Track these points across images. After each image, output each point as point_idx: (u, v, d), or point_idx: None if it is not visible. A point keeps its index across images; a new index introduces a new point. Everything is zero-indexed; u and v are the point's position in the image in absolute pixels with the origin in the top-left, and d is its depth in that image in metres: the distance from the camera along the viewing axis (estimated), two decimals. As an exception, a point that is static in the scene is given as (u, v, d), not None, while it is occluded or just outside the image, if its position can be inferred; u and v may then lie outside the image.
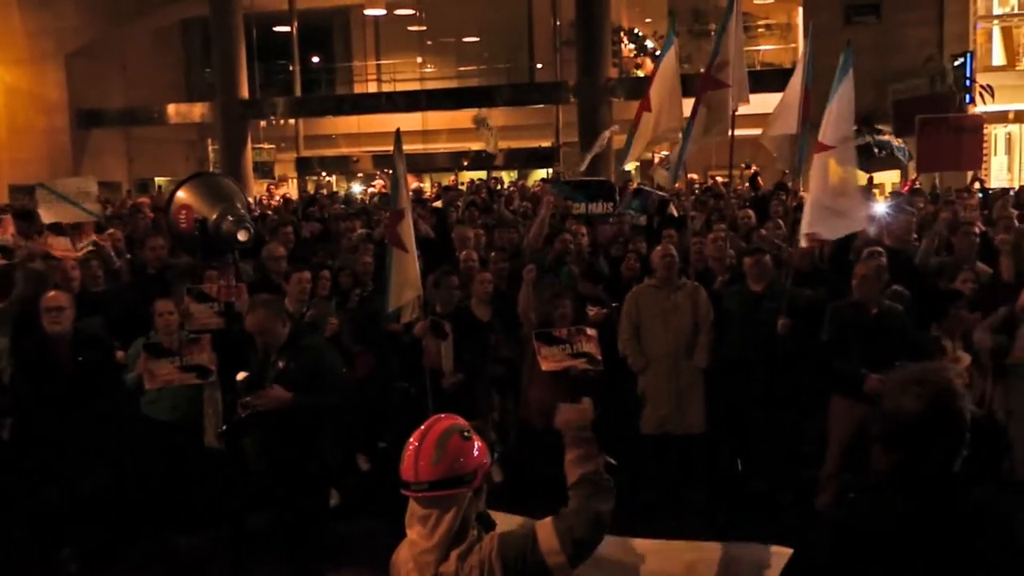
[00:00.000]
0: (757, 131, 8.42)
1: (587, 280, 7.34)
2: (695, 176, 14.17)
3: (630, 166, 15.54)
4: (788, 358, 6.33)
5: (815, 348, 6.17)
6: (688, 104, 7.53)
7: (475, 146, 24.48)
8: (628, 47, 20.96)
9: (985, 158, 19.56)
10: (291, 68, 27.33)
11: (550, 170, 21.29)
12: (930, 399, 2.27)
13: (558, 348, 6.11)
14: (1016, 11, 22.18)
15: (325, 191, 19.16)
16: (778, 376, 6.39)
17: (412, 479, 2.62)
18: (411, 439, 2.70)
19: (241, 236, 5.84)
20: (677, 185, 10.61)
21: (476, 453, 2.66)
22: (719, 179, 15.41)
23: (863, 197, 6.59)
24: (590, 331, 6.19)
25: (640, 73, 19.77)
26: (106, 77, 25.92)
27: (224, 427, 5.67)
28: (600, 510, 2.70)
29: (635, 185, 14.51)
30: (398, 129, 6.51)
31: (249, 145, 25.45)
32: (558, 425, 2.86)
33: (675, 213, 10.01)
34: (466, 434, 2.68)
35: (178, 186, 6.43)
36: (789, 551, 3.24)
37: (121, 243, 8.44)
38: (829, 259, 7.45)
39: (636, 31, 21.68)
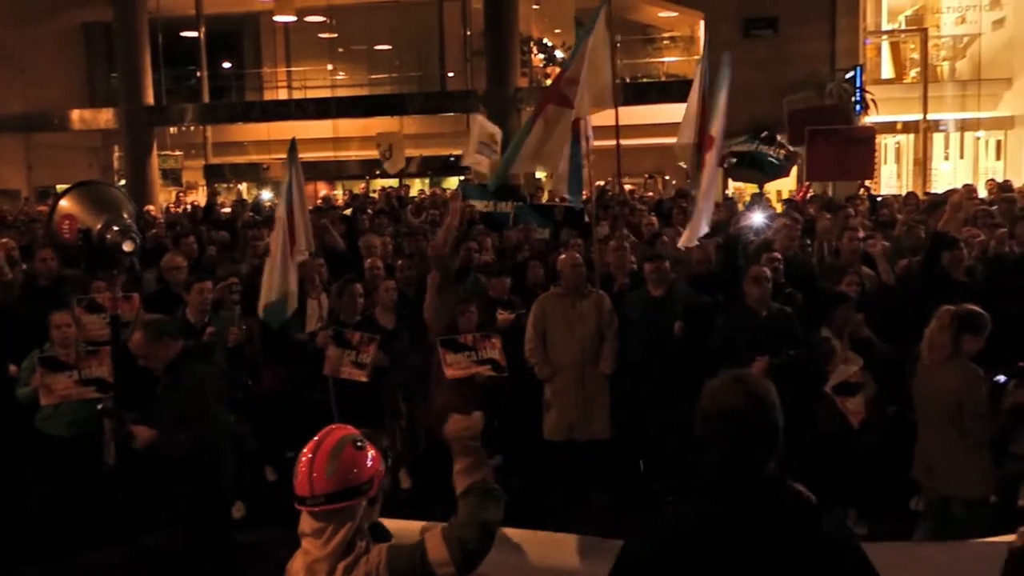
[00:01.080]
0: (661, 140, 8.69)
1: (494, 276, 7.37)
2: (602, 183, 14.44)
3: (540, 173, 15.72)
4: (685, 360, 6.55)
5: (707, 350, 6.41)
6: (606, 115, 7.75)
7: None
8: (538, 57, 21.26)
9: (875, 167, 20.49)
10: (199, 74, 26.77)
11: (462, 178, 21.47)
12: (747, 399, 2.31)
13: (463, 355, 6.17)
14: (903, 27, 23.30)
15: (221, 198, 18.87)
16: (677, 378, 6.58)
17: (307, 494, 2.59)
18: (304, 452, 2.66)
19: (127, 247, 5.76)
20: (584, 194, 10.82)
21: (370, 462, 2.65)
22: (627, 187, 15.74)
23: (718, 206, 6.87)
24: (494, 337, 6.28)
25: (549, 83, 20.11)
26: (3, 81, 24.95)
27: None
28: (489, 519, 2.69)
29: (545, 193, 14.76)
30: (293, 139, 6.50)
31: (155, 152, 24.85)
32: (447, 434, 2.84)
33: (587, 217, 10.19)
34: (359, 444, 2.65)
35: (61, 196, 6.29)
36: None
37: (16, 252, 8.17)
38: (721, 263, 7.70)
39: (545, 41, 22.02)
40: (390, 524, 2.87)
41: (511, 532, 3.77)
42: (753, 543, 2.23)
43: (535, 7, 20.69)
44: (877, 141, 20.66)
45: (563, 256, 6.97)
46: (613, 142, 8.02)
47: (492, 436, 6.64)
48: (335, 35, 28.94)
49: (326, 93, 26.95)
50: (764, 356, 5.92)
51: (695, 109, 7.70)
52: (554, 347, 6.65)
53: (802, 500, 2.32)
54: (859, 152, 8.88)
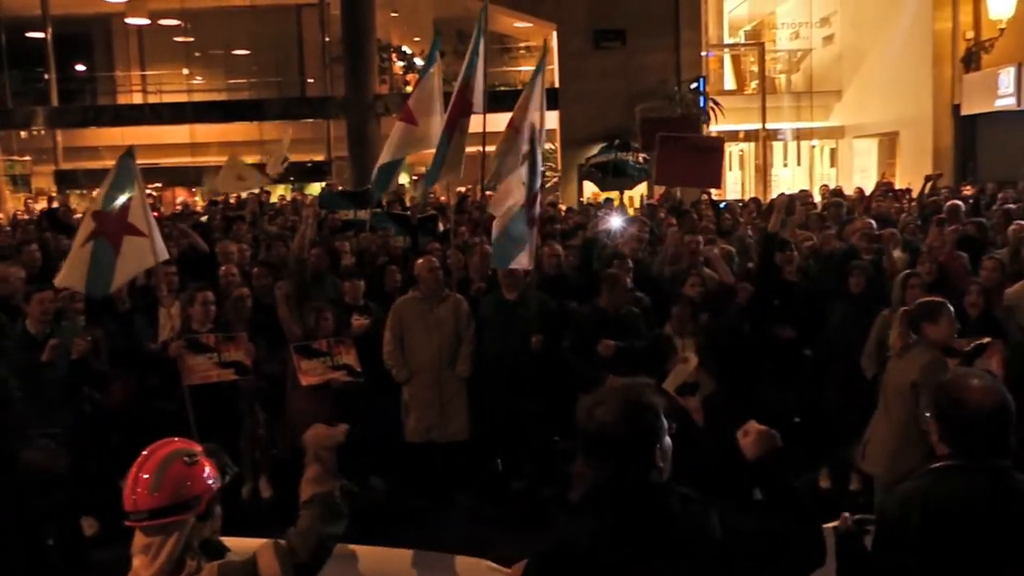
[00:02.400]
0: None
1: (350, 286, 7.39)
2: (462, 189, 14.64)
3: (404, 179, 15.79)
4: (541, 361, 6.79)
5: (562, 351, 6.67)
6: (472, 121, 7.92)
7: (248, 159, 23.88)
8: (398, 64, 21.30)
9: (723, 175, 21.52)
10: (46, 76, 25.42)
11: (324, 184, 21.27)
12: (623, 410, 2.33)
13: (318, 361, 6.18)
14: (743, 42, 24.62)
15: (57, 204, 18.04)
16: (530, 379, 6.80)
17: (131, 508, 2.53)
18: (132, 466, 2.60)
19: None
20: (443, 199, 11.00)
21: (201, 478, 2.58)
22: (489, 193, 15.95)
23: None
24: (349, 342, 6.30)
25: (409, 89, 20.21)
26: None
27: None
28: (328, 533, 2.67)
29: (409, 198, 14.84)
30: (130, 147, 6.32)
31: (1, 157, 23.49)
32: (305, 440, 2.83)
33: (442, 227, 10.32)
34: (189, 459, 2.59)
35: None
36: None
37: None
38: (576, 266, 7.98)
39: (405, 49, 22.08)
40: (232, 542, 2.78)
41: (355, 548, 3.76)
42: (646, 554, 2.25)
43: (393, 15, 20.75)
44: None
45: (420, 260, 7.03)
46: (475, 148, 8.22)
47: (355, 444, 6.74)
48: (191, 39, 28.08)
49: (182, 98, 26.12)
50: (613, 342, 6.27)
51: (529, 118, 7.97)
52: (412, 350, 6.72)
53: (693, 504, 2.34)
54: (708, 160, 9.28)
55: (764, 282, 6.89)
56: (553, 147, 18.67)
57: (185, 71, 28.32)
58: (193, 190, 26.48)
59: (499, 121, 8.43)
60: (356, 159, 16.65)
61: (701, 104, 16.31)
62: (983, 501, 2.60)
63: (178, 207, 16.46)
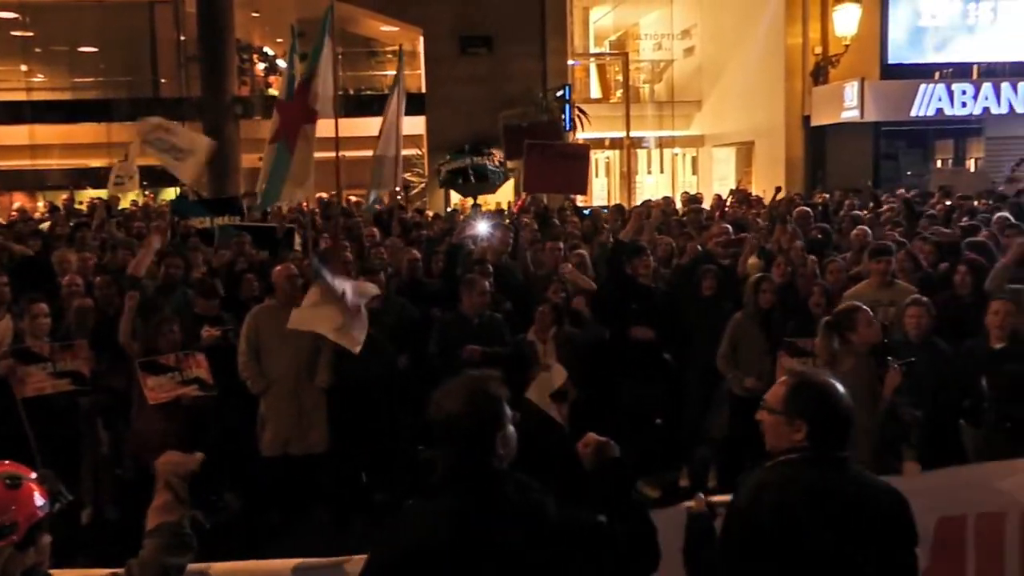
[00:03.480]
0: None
1: (202, 297, 7.09)
2: (324, 195, 14.32)
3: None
4: (404, 370, 6.67)
5: (426, 358, 6.57)
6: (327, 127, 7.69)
7: (94, 163, 22.68)
8: (259, 66, 20.67)
9: (589, 182, 21.88)
10: None
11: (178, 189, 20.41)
12: (468, 399, 2.46)
13: (166, 377, 5.86)
14: (607, 51, 25.17)
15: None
16: (394, 387, 6.69)
17: None
18: None
19: None
20: (304, 205, 10.70)
21: (24, 503, 2.42)
22: (352, 198, 15.71)
23: None
24: (199, 355, 6.01)
25: (272, 91, 19.69)
26: None
27: None
28: (171, 564, 2.58)
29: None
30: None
31: None
32: (156, 466, 2.71)
33: (298, 239, 9.96)
34: (11, 482, 2.43)
35: None
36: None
37: None
38: (439, 274, 7.90)
39: (266, 50, 21.43)
40: (64, 574, 2.68)
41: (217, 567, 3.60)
42: (484, 539, 2.34)
43: (254, 15, 20.11)
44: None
45: (278, 268, 6.81)
46: (334, 154, 8.00)
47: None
48: (31, 34, 26.39)
49: (21, 96, 24.54)
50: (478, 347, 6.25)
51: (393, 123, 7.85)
52: (268, 360, 6.47)
53: (530, 491, 2.44)
54: (575, 167, 9.37)
55: (617, 287, 6.99)
56: (420, 153, 18.53)
57: (24, 67, 26.62)
58: (35, 195, 24.93)
59: (367, 126, 8.28)
60: (213, 163, 15.99)
61: (567, 112, 16.53)
62: (831, 491, 2.75)
63: (14, 214, 15.40)
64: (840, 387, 2.86)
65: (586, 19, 24.21)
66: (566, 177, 9.48)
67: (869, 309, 5.19)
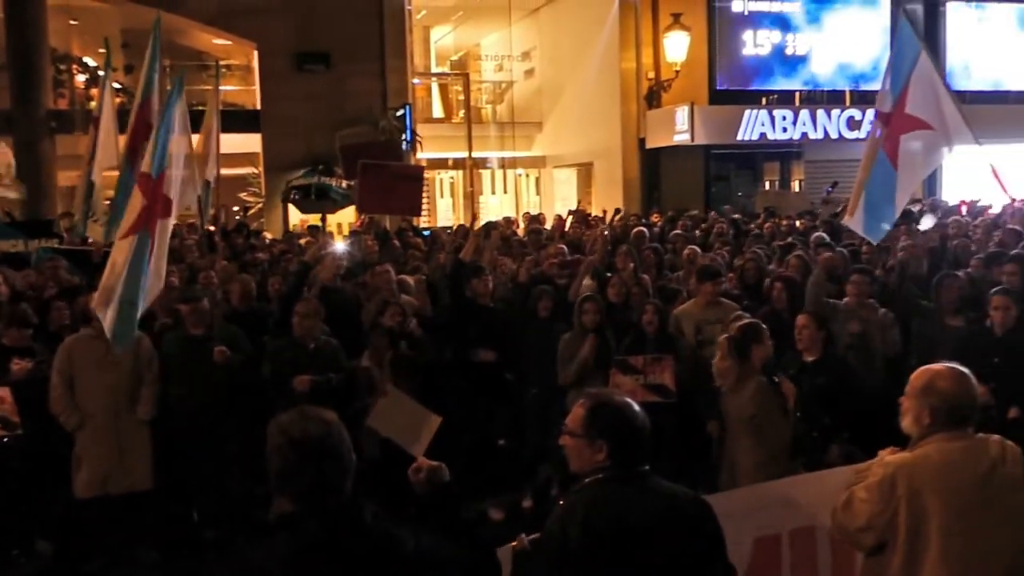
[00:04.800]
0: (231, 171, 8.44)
1: (12, 327, 6.55)
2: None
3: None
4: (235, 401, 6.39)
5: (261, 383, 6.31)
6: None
7: None
8: (79, 77, 19.47)
9: (428, 201, 21.86)
10: None
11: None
12: (317, 427, 2.47)
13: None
14: (449, 71, 25.28)
15: None
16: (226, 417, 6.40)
17: None
18: None
19: None
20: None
21: None
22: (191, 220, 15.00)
23: None
24: (2, 390, 5.56)
25: (93, 105, 18.53)
26: None
27: None
28: None
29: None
30: None
31: None
32: None
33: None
34: None
35: None
36: None
37: None
38: (277, 297, 7.64)
39: (87, 60, 20.21)
40: None
41: None
42: (345, 566, 2.34)
43: (72, 22, 18.91)
44: (432, 176, 22.15)
45: (94, 295, 6.37)
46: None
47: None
48: None
49: None
50: (308, 376, 6.05)
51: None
52: (84, 393, 6.09)
53: (382, 520, 2.44)
54: (409, 188, 9.36)
55: (457, 309, 6.98)
56: (257, 172, 17.95)
57: None
58: None
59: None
60: (27, 182, 14.86)
61: (407, 131, 16.43)
62: (637, 508, 2.81)
63: None
64: (635, 404, 2.96)
65: (427, 38, 24.23)
66: (400, 198, 9.46)
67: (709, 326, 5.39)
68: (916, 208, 13.79)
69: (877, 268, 8.00)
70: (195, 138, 7.95)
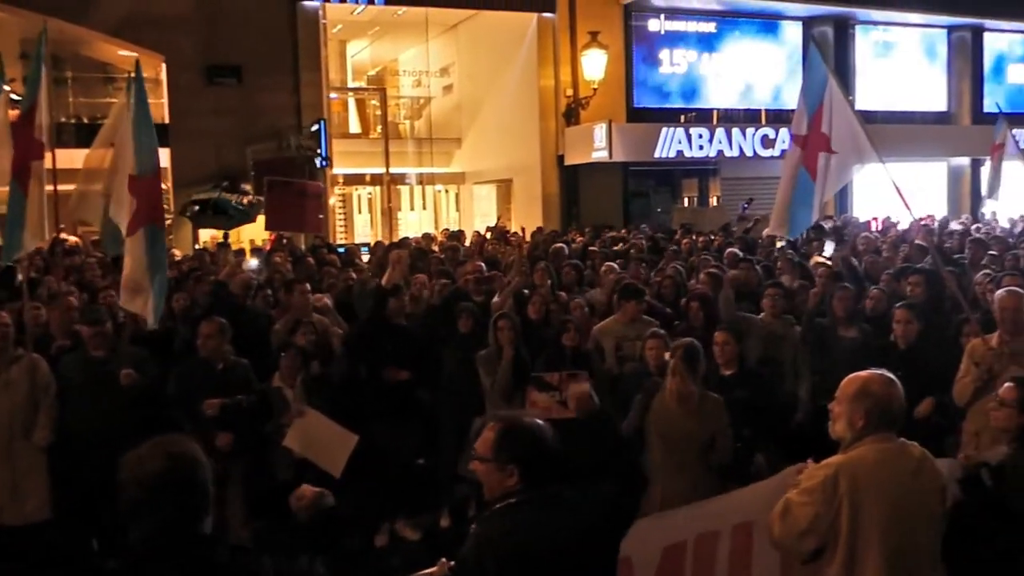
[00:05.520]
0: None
1: None
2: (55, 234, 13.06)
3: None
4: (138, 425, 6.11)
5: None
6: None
7: None
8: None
9: (345, 217, 21.60)
10: None
11: None
12: (173, 461, 2.39)
13: None
14: (366, 86, 25.04)
15: None
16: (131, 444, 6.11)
17: None
18: None
19: None
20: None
21: None
22: (95, 238, 14.47)
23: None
24: None
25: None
26: None
27: None
28: None
29: None
30: None
31: None
32: None
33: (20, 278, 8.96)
34: None
35: None
36: None
37: None
38: (182, 317, 7.39)
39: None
40: None
41: None
42: None
43: (-35, 33, 18.10)
44: (349, 192, 21.89)
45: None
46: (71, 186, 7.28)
47: None
48: None
49: None
50: (217, 400, 5.88)
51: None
52: (-27, 419, 5.77)
53: (241, 554, 2.44)
54: (311, 205, 9.30)
55: (371, 327, 6.87)
56: (165, 187, 17.39)
57: None
58: None
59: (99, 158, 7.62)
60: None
61: (322, 147, 16.15)
62: (549, 533, 2.80)
63: None
64: (546, 426, 2.94)
65: (343, 52, 23.96)
66: (304, 215, 9.37)
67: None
68: (828, 225, 14.20)
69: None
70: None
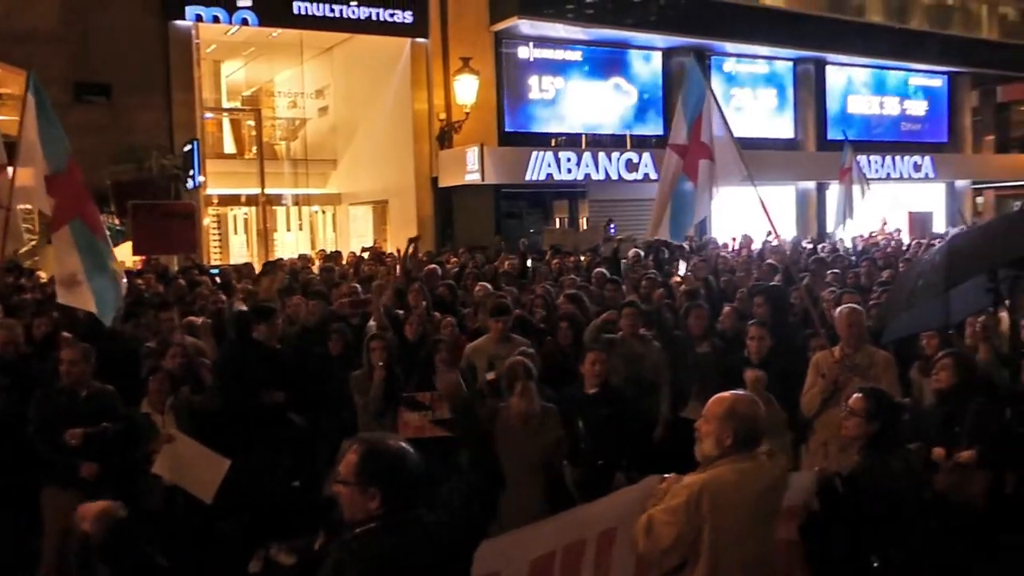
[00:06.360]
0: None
1: None
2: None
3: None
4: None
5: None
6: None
7: None
8: None
9: (220, 238, 21.17)
10: None
11: None
12: None
13: None
14: (240, 107, 24.67)
15: None
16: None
17: None
18: None
19: None
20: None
21: None
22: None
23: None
24: None
25: None
26: None
27: None
28: None
29: None
30: None
31: None
32: None
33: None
34: None
35: None
36: None
37: None
38: (43, 342, 7.20)
39: None
40: None
41: None
42: None
43: None
44: (224, 212, 21.46)
45: None
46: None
47: None
48: None
49: None
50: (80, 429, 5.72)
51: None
52: None
53: None
54: (182, 227, 9.18)
55: (243, 351, 6.86)
56: (30, 207, 16.64)
57: None
58: None
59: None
60: None
61: (195, 167, 15.81)
62: (409, 560, 2.79)
63: None
64: (409, 449, 2.91)
65: (217, 72, 23.56)
66: (174, 237, 9.23)
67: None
68: (687, 245, 14.88)
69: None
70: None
